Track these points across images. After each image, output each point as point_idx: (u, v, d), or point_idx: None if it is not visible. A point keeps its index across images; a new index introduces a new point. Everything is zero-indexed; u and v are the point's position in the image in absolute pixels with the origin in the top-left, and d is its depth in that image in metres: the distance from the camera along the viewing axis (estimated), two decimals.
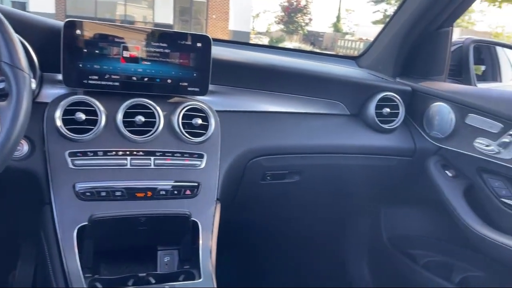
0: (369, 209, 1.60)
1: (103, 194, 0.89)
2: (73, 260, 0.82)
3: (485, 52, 2.09)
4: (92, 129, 0.92)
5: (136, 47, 0.96)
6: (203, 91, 1.04)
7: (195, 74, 1.02)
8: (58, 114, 0.90)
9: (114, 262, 0.94)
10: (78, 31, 0.91)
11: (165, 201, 0.94)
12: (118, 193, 0.91)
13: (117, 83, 0.96)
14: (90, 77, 0.93)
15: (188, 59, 1.00)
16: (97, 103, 0.93)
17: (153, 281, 0.88)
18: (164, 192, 0.94)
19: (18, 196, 1.03)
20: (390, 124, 1.30)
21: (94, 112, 0.93)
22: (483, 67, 2.07)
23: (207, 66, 1.02)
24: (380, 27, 1.50)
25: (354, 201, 1.51)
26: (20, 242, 1.37)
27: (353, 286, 1.67)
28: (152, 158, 0.96)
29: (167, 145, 0.99)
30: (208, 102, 1.07)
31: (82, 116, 0.91)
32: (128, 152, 0.95)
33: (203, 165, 1.00)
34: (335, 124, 1.29)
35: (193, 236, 0.94)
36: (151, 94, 0.99)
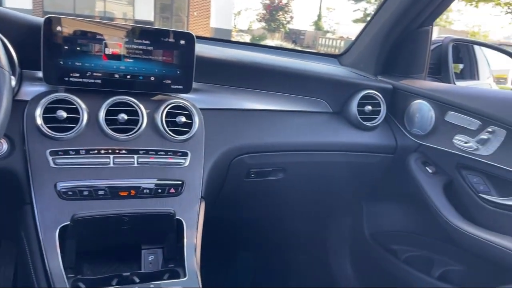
0: (351, 205, 1.62)
1: (86, 193, 0.88)
2: (55, 261, 0.81)
3: (463, 50, 2.14)
4: (74, 127, 0.90)
5: (119, 44, 0.95)
6: (187, 89, 1.03)
7: (178, 72, 1.01)
8: (38, 112, 0.88)
9: (98, 261, 0.92)
10: (58, 28, 0.89)
11: (149, 199, 0.93)
12: (101, 192, 0.89)
13: (99, 81, 0.95)
14: (71, 74, 0.92)
15: (171, 57, 1.00)
16: (79, 100, 0.92)
17: (137, 280, 0.87)
18: (148, 191, 0.94)
19: None
20: (372, 122, 1.32)
21: (75, 110, 0.91)
22: (461, 66, 2.11)
23: (191, 64, 1.02)
24: (360, 25, 1.52)
25: (337, 198, 1.53)
26: None
27: (336, 282, 1.69)
28: (136, 156, 0.95)
29: (151, 143, 0.98)
30: (191, 100, 1.06)
31: (63, 114, 0.89)
32: (110, 151, 0.93)
33: (187, 163, 1.00)
34: (318, 122, 1.30)
35: (178, 235, 0.94)
36: (134, 92, 0.98)
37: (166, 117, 0.99)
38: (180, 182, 0.97)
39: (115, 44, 0.95)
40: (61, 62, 0.91)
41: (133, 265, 0.94)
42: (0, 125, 0.68)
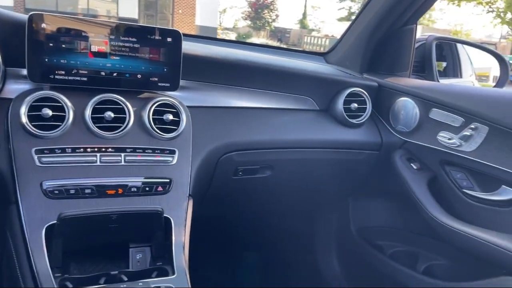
0: (338, 202, 1.63)
1: (72, 192, 0.87)
2: (42, 260, 0.80)
3: (446, 49, 2.17)
4: (60, 125, 0.90)
5: (105, 41, 0.94)
6: (174, 87, 1.03)
7: (165, 69, 1.01)
8: (23, 110, 0.87)
9: (85, 260, 0.92)
10: (43, 25, 0.88)
11: (136, 198, 0.93)
12: (87, 191, 0.89)
13: (85, 78, 0.94)
14: (56, 72, 0.91)
15: (158, 54, 0.99)
16: (64, 98, 0.91)
17: (126, 279, 0.86)
18: (135, 189, 0.93)
19: None
20: (358, 119, 1.33)
21: (61, 108, 0.90)
22: (444, 64, 2.14)
23: (178, 61, 1.01)
24: (345, 24, 1.54)
25: (324, 194, 1.54)
26: None
27: (323, 277, 1.70)
28: (123, 154, 0.95)
29: (138, 141, 0.97)
30: (179, 97, 1.06)
31: (48, 112, 0.88)
32: (97, 149, 0.93)
33: (174, 161, 1.00)
34: (305, 119, 1.31)
35: (166, 233, 0.94)
36: (121, 90, 0.98)
37: (153, 115, 0.99)
38: (167, 180, 0.97)
39: (101, 41, 0.94)
40: (46, 60, 0.90)
41: (121, 263, 0.93)
42: None
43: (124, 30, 0.96)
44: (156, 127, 0.99)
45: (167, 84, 1.02)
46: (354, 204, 1.60)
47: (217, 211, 1.45)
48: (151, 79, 1.00)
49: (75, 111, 0.92)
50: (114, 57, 0.96)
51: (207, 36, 1.60)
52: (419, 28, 1.45)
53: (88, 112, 0.93)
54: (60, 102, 0.90)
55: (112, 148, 0.94)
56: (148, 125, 0.98)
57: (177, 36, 1.00)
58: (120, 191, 0.91)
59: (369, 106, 1.35)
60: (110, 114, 0.94)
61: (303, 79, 1.32)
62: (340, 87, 1.34)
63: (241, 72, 1.23)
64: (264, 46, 1.70)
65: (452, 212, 1.19)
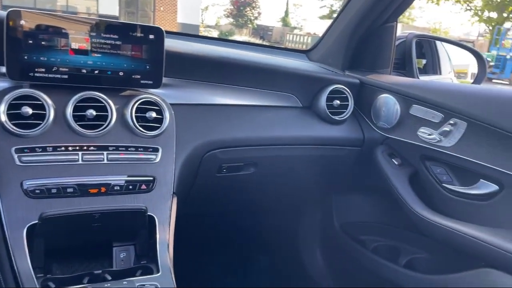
0: (321, 198, 1.65)
1: (54, 191, 0.86)
2: (23, 260, 0.79)
3: (426, 46, 2.21)
4: (40, 124, 0.88)
5: (86, 38, 0.93)
6: (157, 84, 1.02)
7: (148, 67, 1.00)
8: (2, 108, 0.85)
9: (68, 260, 0.91)
10: (22, 22, 0.86)
11: (119, 196, 0.92)
12: (69, 190, 0.87)
13: (65, 76, 0.92)
14: (36, 69, 0.89)
15: (140, 51, 0.98)
16: (45, 96, 0.89)
17: (109, 278, 0.86)
18: (118, 188, 0.92)
19: None
20: (340, 116, 1.35)
21: (41, 106, 0.89)
22: (424, 61, 2.18)
23: (160, 59, 1.01)
24: (327, 22, 1.55)
25: (307, 190, 1.55)
26: None
27: (307, 272, 1.72)
28: (105, 153, 0.94)
29: (121, 139, 0.96)
30: (162, 95, 1.06)
31: (28, 110, 0.87)
32: (79, 147, 0.92)
33: (158, 159, 0.99)
34: (288, 116, 1.32)
35: (150, 231, 0.93)
36: (103, 87, 0.97)
37: (136, 112, 0.98)
38: (151, 178, 0.96)
39: (82, 38, 0.93)
40: (26, 57, 0.88)
41: (105, 262, 0.93)
42: None
43: (106, 27, 0.95)
44: (139, 125, 0.98)
45: (150, 82, 1.01)
46: (337, 199, 1.62)
47: (202, 208, 1.45)
48: (133, 76, 0.99)
49: (56, 109, 0.91)
50: (95, 54, 0.95)
51: (190, 34, 1.59)
52: (399, 26, 1.47)
53: (69, 110, 0.92)
54: (40, 100, 0.89)
55: (94, 146, 0.93)
56: (131, 123, 0.97)
57: (159, 33, 1.00)
58: (103, 189, 0.90)
59: (351, 103, 1.37)
60: (92, 112, 0.93)
61: (286, 76, 1.33)
62: (322, 84, 1.35)
63: (224, 70, 1.23)
64: (247, 44, 1.70)
65: (433, 206, 1.22)
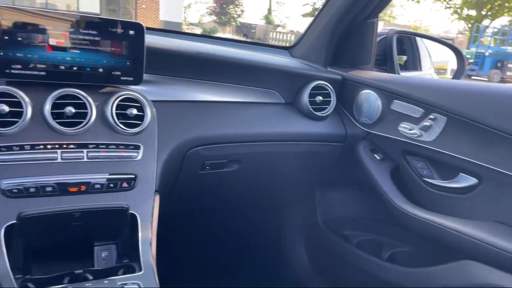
0: (305, 194, 1.65)
1: (32, 190, 0.84)
2: (1, 261, 0.77)
3: (406, 43, 2.24)
4: (17, 121, 0.86)
5: (64, 34, 0.91)
6: (137, 81, 1.01)
7: (128, 63, 0.99)
8: None
9: (48, 260, 0.89)
10: None
11: (100, 194, 0.91)
12: (48, 189, 0.86)
13: (43, 73, 0.91)
14: (12, 66, 0.87)
15: (120, 47, 0.97)
16: (22, 94, 0.88)
17: (91, 278, 0.84)
18: (99, 186, 0.91)
19: None
20: (323, 112, 1.35)
21: (18, 104, 0.87)
22: (405, 57, 2.21)
23: (141, 55, 0.99)
24: (309, 19, 1.56)
25: (291, 187, 1.56)
26: None
27: (291, 268, 1.73)
28: (85, 150, 0.92)
29: (101, 137, 0.95)
30: (143, 92, 1.04)
31: (5, 108, 0.85)
32: (58, 145, 0.90)
33: (139, 157, 0.98)
34: (271, 113, 1.32)
35: (132, 229, 0.92)
36: (82, 84, 0.95)
37: (116, 109, 0.97)
38: (133, 176, 0.95)
39: (60, 34, 0.91)
40: (1, 54, 0.86)
41: (86, 262, 0.91)
42: None
43: (84, 22, 0.93)
44: (120, 122, 0.97)
45: (130, 78, 1.00)
46: (320, 195, 1.63)
47: (185, 206, 1.44)
48: (113, 73, 0.98)
49: (34, 107, 0.89)
50: (74, 51, 0.93)
51: (172, 30, 1.58)
52: (381, 23, 1.49)
53: (47, 108, 0.90)
54: (17, 98, 0.87)
55: (73, 144, 0.91)
56: (111, 120, 0.96)
57: (139, 29, 0.98)
58: (83, 188, 0.89)
59: (333, 99, 1.37)
60: (70, 109, 0.91)
61: (269, 72, 1.33)
62: (305, 81, 1.35)
63: (206, 66, 1.22)
64: (229, 40, 1.69)
65: (414, 200, 1.23)
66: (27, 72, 0.89)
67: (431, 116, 1.19)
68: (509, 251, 0.96)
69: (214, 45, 1.39)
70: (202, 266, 1.68)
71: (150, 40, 1.07)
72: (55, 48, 0.91)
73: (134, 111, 0.98)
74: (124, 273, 0.87)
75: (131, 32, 0.98)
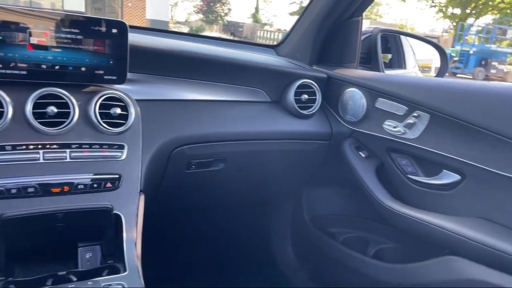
0: (291, 192, 1.66)
1: (14, 191, 0.83)
2: None
3: (391, 41, 2.26)
4: None
5: (45, 33, 0.90)
6: (121, 80, 1.00)
7: (111, 62, 0.98)
8: None
9: (31, 262, 0.87)
10: None
11: (84, 195, 0.90)
12: (31, 190, 0.85)
13: (24, 72, 0.89)
14: None
15: (103, 46, 0.96)
16: (2, 93, 0.86)
17: (75, 279, 0.83)
18: (82, 186, 0.90)
19: None
20: (309, 110, 1.36)
21: None
22: (389, 55, 2.23)
23: (124, 53, 0.98)
24: (296, 18, 1.56)
25: (277, 185, 1.56)
26: None
27: (278, 265, 1.73)
28: (68, 151, 0.91)
29: (84, 137, 0.94)
30: (127, 91, 1.03)
31: None
32: (40, 146, 0.89)
33: (124, 156, 0.97)
34: (257, 111, 1.32)
35: (117, 230, 0.91)
36: (64, 83, 0.94)
37: (99, 109, 0.96)
38: (117, 176, 0.94)
39: (41, 33, 0.90)
40: None
41: (70, 263, 0.90)
42: None
43: (66, 21, 0.92)
44: (103, 122, 0.96)
45: (114, 77, 0.99)
46: (307, 193, 1.64)
47: (171, 205, 1.43)
48: (96, 72, 0.97)
49: (15, 107, 0.87)
50: (56, 49, 0.92)
51: (158, 29, 1.56)
52: (367, 22, 1.50)
53: (29, 107, 0.88)
54: None
55: (56, 144, 0.90)
56: (95, 120, 0.95)
57: (122, 27, 0.97)
58: (66, 188, 0.88)
59: (319, 97, 1.38)
60: (52, 109, 0.90)
61: (255, 71, 1.33)
62: (290, 79, 1.36)
63: (191, 64, 1.21)
64: (215, 39, 1.69)
65: (398, 196, 1.24)
66: (8, 71, 0.87)
67: (415, 114, 1.20)
68: (491, 246, 0.98)
69: (199, 44, 1.38)
70: (189, 266, 1.68)
71: (134, 38, 1.06)
72: (36, 47, 0.90)
73: (118, 111, 0.97)
74: (108, 274, 0.85)
75: (114, 31, 0.97)
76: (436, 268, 1.13)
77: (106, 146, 0.95)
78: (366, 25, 1.50)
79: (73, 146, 0.92)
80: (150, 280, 0.91)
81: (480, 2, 23.27)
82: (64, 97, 0.92)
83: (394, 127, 1.24)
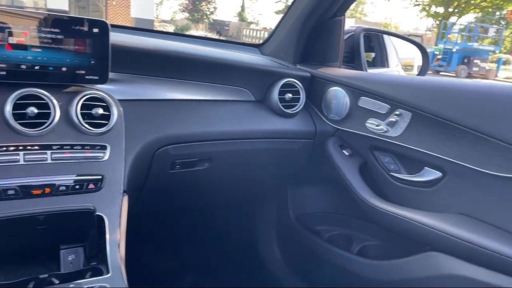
0: (277, 190, 1.67)
1: None
2: None
3: (374, 40, 2.28)
4: None
5: (24, 32, 0.89)
6: (103, 80, 0.99)
7: (92, 62, 0.97)
8: None
9: (12, 265, 0.86)
10: None
11: (66, 197, 0.89)
12: (11, 192, 0.83)
13: (3, 72, 0.88)
14: None
15: (84, 46, 0.95)
16: None
17: (57, 282, 0.82)
18: (64, 188, 0.89)
19: None
20: (293, 109, 1.36)
21: None
22: (373, 54, 2.25)
23: (106, 53, 0.98)
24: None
25: (262, 184, 1.56)
26: None
27: (264, 264, 1.73)
28: (49, 152, 0.90)
29: (66, 138, 0.93)
30: (109, 91, 1.03)
31: None
32: (21, 147, 0.87)
33: (106, 157, 0.96)
34: (241, 111, 1.32)
35: (100, 231, 0.91)
36: (45, 84, 0.93)
37: (81, 109, 0.95)
38: (99, 177, 0.93)
39: (20, 32, 0.88)
40: None
41: (52, 266, 0.89)
42: None
43: (46, 20, 0.91)
44: (85, 122, 0.95)
45: (96, 77, 0.98)
46: (292, 192, 1.64)
47: (156, 206, 1.42)
48: (77, 72, 0.96)
49: None
50: (36, 49, 0.90)
51: (141, 28, 1.55)
52: (352, 21, 1.51)
53: (8, 108, 0.87)
54: None
55: (37, 145, 0.89)
56: (76, 120, 0.94)
57: (104, 27, 0.97)
58: (47, 190, 0.87)
59: (302, 96, 1.39)
60: (33, 110, 0.89)
61: (239, 70, 1.33)
62: (275, 78, 1.36)
63: (174, 64, 1.21)
64: (199, 38, 1.68)
65: (382, 194, 1.26)
66: None
67: (397, 112, 1.21)
68: (471, 242, 1.00)
69: (183, 43, 1.38)
70: (174, 267, 1.67)
71: (117, 38, 1.05)
72: (15, 46, 0.88)
73: (100, 111, 0.96)
74: (91, 276, 0.85)
75: (96, 30, 0.96)
76: (418, 264, 1.15)
77: (88, 147, 0.94)
78: (351, 23, 1.51)
79: (54, 147, 0.91)
80: (134, 281, 0.90)
81: (463, 1, 23.64)
82: (45, 98, 0.91)
83: (377, 126, 1.26)
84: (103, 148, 0.96)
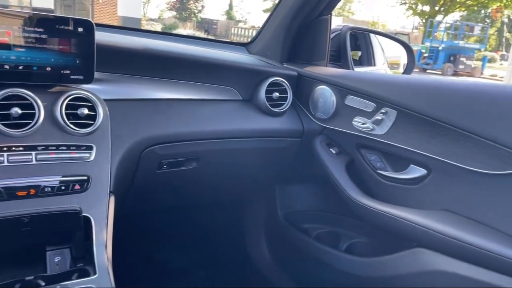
0: (265, 189, 1.67)
1: None
2: None
3: (361, 39, 2.30)
4: None
5: (7, 32, 0.87)
6: (88, 79, 0.98)
7: (78, 61, 0.96)
8: None
9: None
10: None
11: (51, 198, 0.88)
12: None
13: None
14: None
15: (69, 45, 0.94)
16: None
17: (43, 283, 0.82)
18: (49, 189, 0.88)
19: None
20: (280, 108, 1.37)
21: None
22: (359, 53, 2.27)
23: (91, 53, 0.97)
24: None
25: (250, 182, 1.57)
26: None
27: (252, 262, 1.74)
28: (33, 153, 0.89)
29: (51, 138, 0.92)
30: (94, 90, 1.02)
31: None
32: (6, 148, 0.86)
33: (92, 158, 0.95)
34: (229, 110, 1.32)
35: (86, 232, 0.90)
36: (29, 84, 0.92)
37: (66, 109, 0.94)
38: (85, 178, 0.93)
39: (3, 32, 0.87)
40: None
41: (38, 268, 0.88)
42: None
43: (30, 20, 0.90)
44: (70, 123, 0.94)
45: (81, 77, 0.97)
46: (280, 190, 1.65)
47: (143, 206, 1.42)
48: (62, 71, 0.95)
49: None
50: (19, 49, 0.89)
51: (127, 27, 1.54)
52: (340, 19, 1.52)
53: None
54: None
55: (21, 146, 0.88)
56: (61, 121, 0.93)
57: (89, 26, 0.96)
58: (32, 192, 0.86)
59: (290, 95, 1.39)
60: (17, 111, 0.88)
61: (226, 69, 1.33)
62: (262, 77, 1.37)
63: (161, 63, 1.20)
64: (185, 37, 1.68)
65: (369, 192, 1.27)
66: None
67: (383, 110, 1.22)
68: (456, 238, 1.01)
69: (169, 42, 1.37)
70: (161, 267, 1.67)
71: (102, 37, 1.04)
72: None
73: (85, 111, 0.96)
74: (78, 278, 0.84)
75: (80, 29, 0.95)
76: (404, 261, 1.16)
77: (74, 148, 0.94)
78: (339, 22, 1.52)
79: (39, 148, 0.90)
80: (122, 282, 0.90)
81: (448, 0, 23.90)
82: (29, 98, 0.90)
83: (363, 124, 1.27)
84: (89, 148, 0.96)
